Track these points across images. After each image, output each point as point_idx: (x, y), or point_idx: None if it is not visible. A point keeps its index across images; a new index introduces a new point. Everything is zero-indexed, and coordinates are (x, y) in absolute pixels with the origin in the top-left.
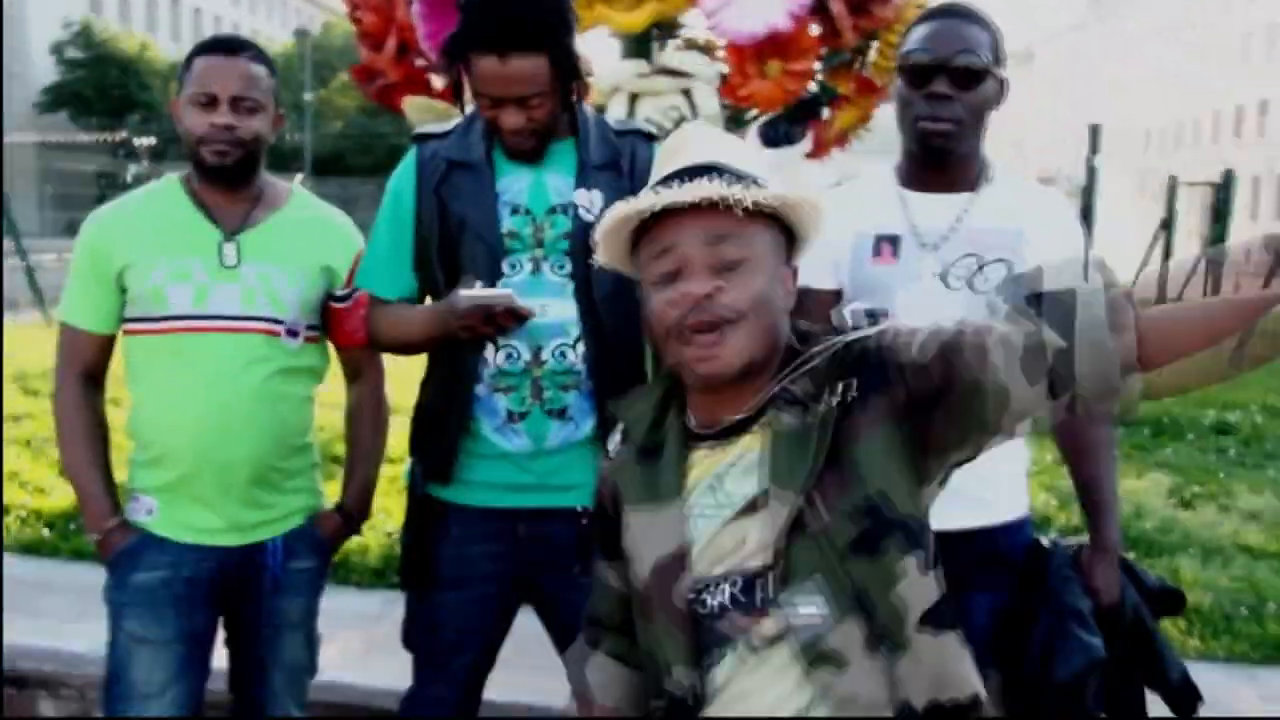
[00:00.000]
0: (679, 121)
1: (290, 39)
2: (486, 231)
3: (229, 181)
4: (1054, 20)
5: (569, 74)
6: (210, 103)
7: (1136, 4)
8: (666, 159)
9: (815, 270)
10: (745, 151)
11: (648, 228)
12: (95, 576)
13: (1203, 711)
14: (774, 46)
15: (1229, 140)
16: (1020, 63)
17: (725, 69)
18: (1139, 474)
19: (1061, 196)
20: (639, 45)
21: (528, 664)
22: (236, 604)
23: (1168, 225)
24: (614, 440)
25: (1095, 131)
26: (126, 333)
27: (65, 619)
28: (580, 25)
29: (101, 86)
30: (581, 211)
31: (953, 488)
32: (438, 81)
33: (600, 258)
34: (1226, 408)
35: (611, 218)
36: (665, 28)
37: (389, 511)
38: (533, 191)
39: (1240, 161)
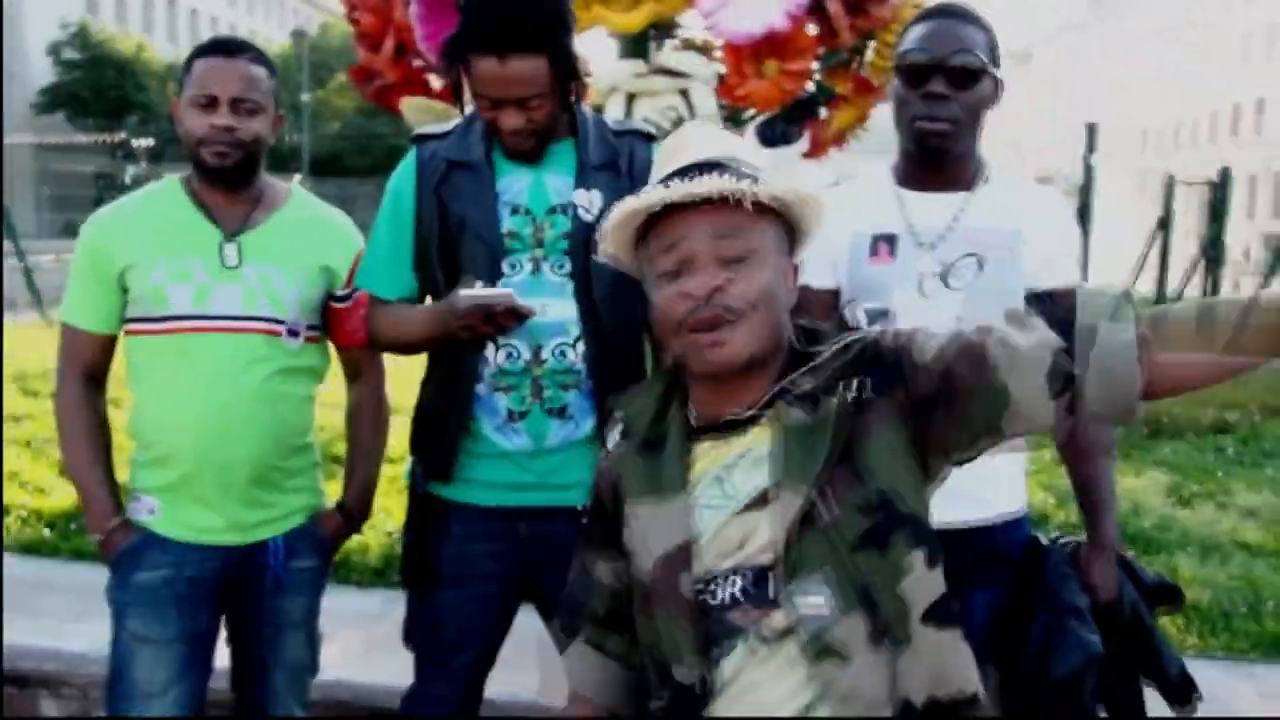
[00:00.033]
0: (677, 121)
1: (287, 39)
2: (486, 231)
3: (229, 183)
4: (1052, 20)
5: (568, 75)
6: (210, 104)
7: (1135, 4)
8: (667, 158)
9: (813, 269)
10: (746, 149)
11: (654, 223)
12: (96, 576)
13: (1201, 709)
14: (771, 46)
15: (1226, 139)
16: (1018, 62)
17: (722, 69)
18: (1137, 472)
19: (1059, 196)
20: (636, 45)
21: (528, 663)
22: (238, 603)
23: (1165, 224)
24: (613, 436)
25: (1093, 131)
26: (128, 333)
27: (66, 619)
28: (577, 26)
29: (98, 87)
30: (581, 211)
31: (951, 485)
32: (436, 82)
33: (604, 251)
34: (1225, 407)
35: (620, 211)
36: (662, 28)
37: (389, 511)
38: (532, 192)
39: (1237, 160)
